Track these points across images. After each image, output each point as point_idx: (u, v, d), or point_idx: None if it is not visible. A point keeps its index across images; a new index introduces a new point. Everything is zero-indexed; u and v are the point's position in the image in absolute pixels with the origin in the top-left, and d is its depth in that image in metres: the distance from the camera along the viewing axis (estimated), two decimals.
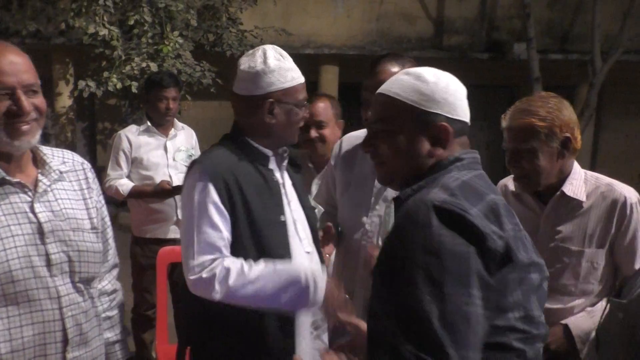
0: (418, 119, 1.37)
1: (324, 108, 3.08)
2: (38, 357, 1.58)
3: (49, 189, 1.67)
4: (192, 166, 1.97)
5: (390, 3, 10.83)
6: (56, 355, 1.60)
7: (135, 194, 3.68)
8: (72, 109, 9.86)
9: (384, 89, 1.45)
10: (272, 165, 2.04)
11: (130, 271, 3.84)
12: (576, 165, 2.13)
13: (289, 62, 1.95)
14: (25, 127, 1.57)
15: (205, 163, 1.93)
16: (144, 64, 7.31)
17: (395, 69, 2.11)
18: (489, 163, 13.23)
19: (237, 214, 1.89)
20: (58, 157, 1.76)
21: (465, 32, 11.03)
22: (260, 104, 1.94)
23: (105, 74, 7.42)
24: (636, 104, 11.23)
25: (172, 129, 3.86)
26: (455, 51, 10.96)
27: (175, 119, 3.92)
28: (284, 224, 1.99)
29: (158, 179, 3.70)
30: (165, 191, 3.61)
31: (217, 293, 1.82)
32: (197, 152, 4.02)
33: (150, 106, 3.82)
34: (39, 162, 1.70)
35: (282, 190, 2.05)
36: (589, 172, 2.16)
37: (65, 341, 1.62)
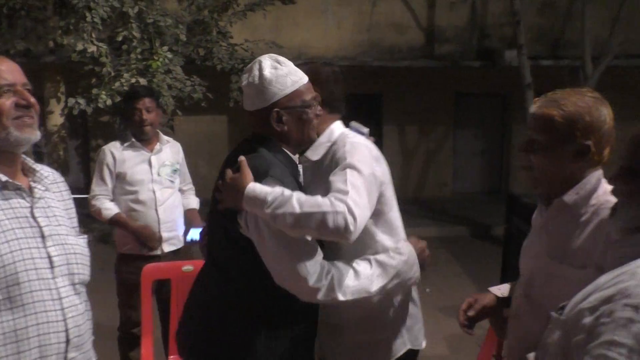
0: None
1: None
2: (43, 358, 1.60)
3: (43, 195, 1.73)
4: (264, 176, 1.86)
5: (380, 14, 10.82)
6: (58, 356, 1.63)
7: (116, 223, 3.60)
8: (64, 127, 9.77)
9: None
10: (300, 169, 2.10)
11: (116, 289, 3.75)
12: (595, 176, 1.80)
13: (286, 68, 1.92)
14: (30, 121, 1.66)
15: (273, 172, 1.89)
16: (133, 80, 7.22)
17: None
18: (483, 171, 13.22)
19: None
20: (42, 169, 1.82)
21: (456, 41, 11.01)
22: (268, 115, 1.93)
23: (95, 90, 7.33)
24: (628, 108, 11.15)
25: (157, 144, 3.75)
26: (446, 60, 10.93)
27: (160, 133, 3.82)
28: None
29: (142, 194, 3.62)
30: (149, 238, 3.59)
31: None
32: (183, 167, 3.93)
33: (127, 119, 3.75)
34: (27, 170, 1.76)
35: None
36: (606, 187, 1.79)
37: (67, 342, 1.65)
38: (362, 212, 1.81)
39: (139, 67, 7.47)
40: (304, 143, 2.06)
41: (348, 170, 1.88)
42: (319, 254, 1.87)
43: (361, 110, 12.94)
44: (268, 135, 1.97)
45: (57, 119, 9.70)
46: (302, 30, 10.48)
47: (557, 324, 1.23)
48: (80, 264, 1.75)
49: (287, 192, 1.77)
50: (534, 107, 1.84)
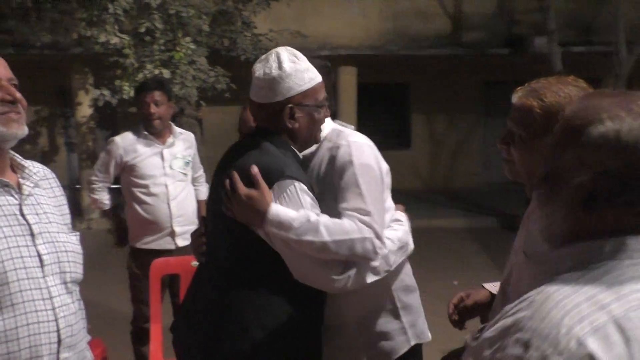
0: None
1: None
2: (34, 358, 1.55)
3: (32, 192, 1.68)
4: (276, 178, 1.80)
5: (406, 1, 10.65)
6: (50, 356, 1.59)
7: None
8: (92, 118, 9.86)
9: None
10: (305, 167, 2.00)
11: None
12: None
13: (304, 63, 1.84)
14: (16, 116, 1.61)
15: (289, 170, 1.82)
16: (156, 71, 7.23)
17: None
18: None
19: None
20: (31, 165, 1.76)
21: (484, 28, 10.75)
22: (281, 110, 1.85)
23: (118, 82, 7.36)
24: None
25: (170, 137, 3.72)
26: (473, 48, 10.69)
27: (173, 126, 3.79)
28: None
29: (154, 188, 3.60)
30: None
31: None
32: (196, 160, 3.88)
33: (138, 112, 3.73)
34: (16, 167, 1.71)
35: None
36: None
37: (59, 342, 1.61)
38: (383, 226, 1.86)
39: (163, 58, 7.48)
40: (310, 143, 1.98)
41: (360, 179, 1.84)
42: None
43: (387, 100, 12.82)
44: (275, 131, 1.89)
45: (85, 110, 9.81)
46: (327, 20, 10.35)
47: (469, 351, 1.10)
48: (72, 262, 1.70)
49: (313, 217, 1.75)
50: (515, 96, 1.69)
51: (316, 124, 1.91)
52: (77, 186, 9.78)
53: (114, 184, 3.84)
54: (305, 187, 1.82)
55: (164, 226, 3.61)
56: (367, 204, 1.81)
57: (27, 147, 11.64)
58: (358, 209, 1.80)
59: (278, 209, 1.75)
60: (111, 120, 11.58)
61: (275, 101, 1.83)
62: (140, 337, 3.68)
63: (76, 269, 1.71)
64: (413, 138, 12.93)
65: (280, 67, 1.80)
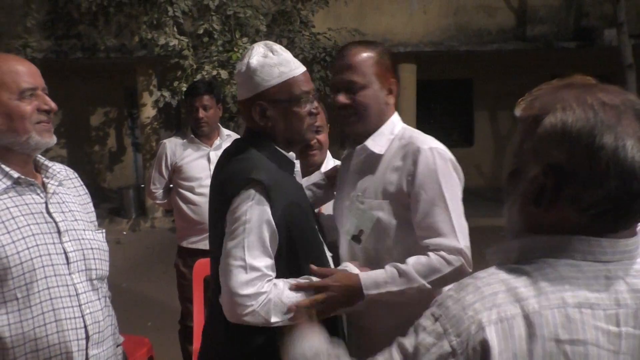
0: None
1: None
2: (63, 354, 1.57)
3: (57, 190, 1.72)
4: (243, 180, 1.65)
5: None
6: (79, 352, 1.60)
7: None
8: (156, 119, 10.00)
9: None
10: (297, 168, 1.87)
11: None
12: None
13: (277, 58, 1.71)
14: (48, 126, 1.66)
15: (259, 176, 1.64)
16: (214, 72, 7.22)
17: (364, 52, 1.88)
18: None
19: (290, 225, 1.70)
20: (54, 165, 1.79)
21: (551, 21, 10.24)
22: (251, 107, 1.73)
23: (176, 83, 7.40)
24: None
25: (218, 139, 3.71)
26: (539, 41, 10.20)
27: (221, 128, 3.77)
28: (316, 232, 1.84)
29: (201, 189, 3.59)
30: None
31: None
32: None
33: (187, 115, 3.77)
34: (40, 167, 1.75)
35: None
36: None
37: (87, 338, 1.62)
38: (466, 238, 1.79)
39: (221, 59, 7.46)
40: (296, 142, 1.82)
41: (446, 194, 1.75)
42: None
43: (450, 96, 12.46)
44: (258, 131, 1.76)
45: (149, 111, 9.95)
46: (386, 16, 10.10)
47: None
48: (97, 259, 1.71)
49: (401, 267, 1.71)
50: (517, 110, 1.51)
51: (298, 120, 1.75)
52: (142, 185, 9.93)
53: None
54: (268, 195, 1.63)
55: None
56: (456, 231, 1.74)
57: (96, 148, 11.98)
58: (446, 234, 1.74)
59: (367, 282, 1.72)
60: (175, 120, 11.74)
61: (245, 98, 1.74)
62: (186, 335, 3.66)
63: (102, 266, 1.73)
64: (476, 135, 12.53)
65: (248, 62, 1.70)
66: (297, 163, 1.88)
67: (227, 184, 1.69)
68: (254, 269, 1.60)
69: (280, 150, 1.78)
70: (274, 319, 1.63)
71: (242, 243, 1.61)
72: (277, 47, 1.74)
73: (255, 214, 1.61)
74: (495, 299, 0.91)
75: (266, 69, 1.69)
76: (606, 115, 0.90)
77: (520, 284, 0.92)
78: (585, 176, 0.90)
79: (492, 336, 0.88)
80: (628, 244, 0.95)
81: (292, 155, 1.83)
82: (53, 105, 1.65)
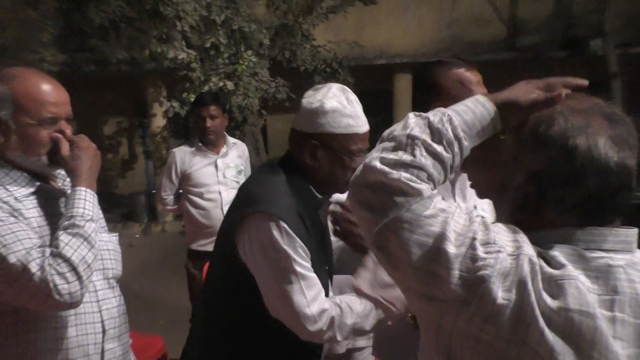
0: None
1: None
2: (81, 347, 1.62)
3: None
4: (256, 211, 1.60)
5: (461, 9, 10.45)
6: (95, 346, 1.65)
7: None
8: (165, 128, 10.17)
9: None
10: (321, 210, 1.80)
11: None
12: None
13: (351, 108, 1.66)
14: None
15: (277, 208, 1.59)
16: (221, 83, 7.40)
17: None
18: None
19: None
20: (59, 172, 1.82)
21: (540, 31, 10.42)
22: (306, 142, 1.68)
23: (185, 94, 7.57)
24: None
25: (224, 146, 3.84)
26: (529, 51, 10.35)
27: (227, 136, 3.89)
28: (326, 273, 1.79)
29: (209, 195, 3.71)
30: None
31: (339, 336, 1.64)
32: (247, 168, 3.94)
33: (194, 124, 3.85)
34: (49, 176, 1.77)
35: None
36: None
37: (103, 332, 1.67)
38: None
39: (227, 71, 7.64)
40: (330, 189, 1.76)
41: None
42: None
43: None
44: (298, 161, 1.72)
45: (159, 121, 10.14)
46: (384, 30, 10.29)
47: None
48: (112, 260, 1.77)
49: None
50: None
51: (342, 172, 1.70)
52: (153, 191, 10.09)
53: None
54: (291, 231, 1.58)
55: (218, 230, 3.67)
56: None
57: (109, 156, 12.15)
58: None
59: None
60: (183, 129, 11.91)
61: (303, 131, 1.69)
62: None
63: (116, 266, 1.78)
64: None
65: (322, 101, 1.65)
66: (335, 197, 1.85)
67: (243, 201, 1.68)
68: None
69: (310, 187, 1.73)
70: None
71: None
72: (353, 97, 1.70)
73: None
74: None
75: (337, 116, 1.64)
76: (576, 119, 0.95)
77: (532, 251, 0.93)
78: (564, 178, 0.94)
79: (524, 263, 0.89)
80: (628, 235, 0.97)
81: (319, 196, 1.76)
82: (70, 137, 1.64)
